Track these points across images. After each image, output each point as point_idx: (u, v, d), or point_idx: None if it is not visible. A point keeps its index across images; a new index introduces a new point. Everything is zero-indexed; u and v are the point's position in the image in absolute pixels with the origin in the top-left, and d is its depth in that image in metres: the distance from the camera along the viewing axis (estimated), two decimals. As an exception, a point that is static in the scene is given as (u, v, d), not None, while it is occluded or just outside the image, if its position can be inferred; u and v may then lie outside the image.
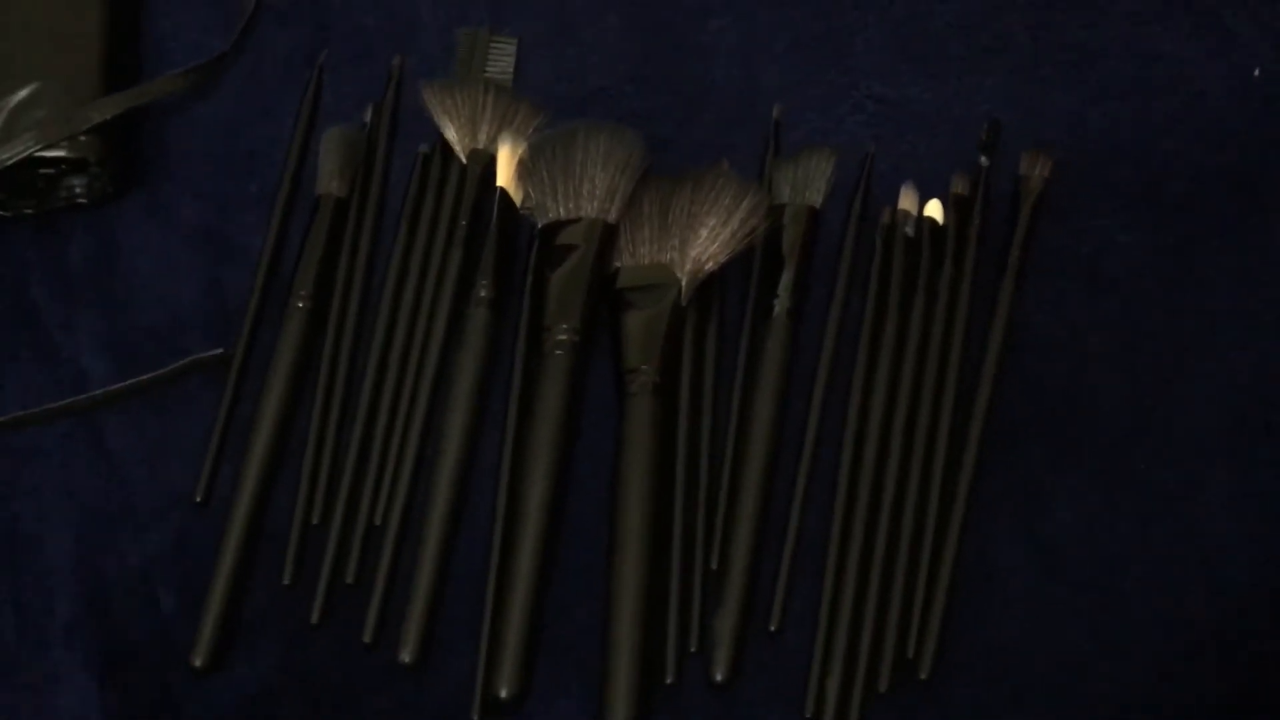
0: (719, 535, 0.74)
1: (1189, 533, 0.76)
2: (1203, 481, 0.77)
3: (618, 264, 0.78)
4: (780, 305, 0.78)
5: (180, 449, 0.77)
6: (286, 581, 0.74)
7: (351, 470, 0.76)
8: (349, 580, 0.74)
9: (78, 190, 0.82)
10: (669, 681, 0.72)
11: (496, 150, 0.80)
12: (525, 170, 0.79)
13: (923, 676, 0.72)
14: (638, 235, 0.78)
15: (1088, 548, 0.76)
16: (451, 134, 0.81)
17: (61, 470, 0.77)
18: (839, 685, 0.71)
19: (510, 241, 0.79)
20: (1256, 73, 0.86)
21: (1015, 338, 0.78)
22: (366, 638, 0.73)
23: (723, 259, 0.78)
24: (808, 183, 0.81)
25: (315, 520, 0.75)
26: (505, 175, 0.80)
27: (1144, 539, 0.76)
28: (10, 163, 0.79)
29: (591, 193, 0.78)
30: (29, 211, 0.82)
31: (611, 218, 0.78)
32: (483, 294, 0.78)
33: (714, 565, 0.74)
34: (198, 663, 0.72)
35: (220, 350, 0.79)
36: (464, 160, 0.81)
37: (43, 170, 0.81)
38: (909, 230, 0.80)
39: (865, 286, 0.79)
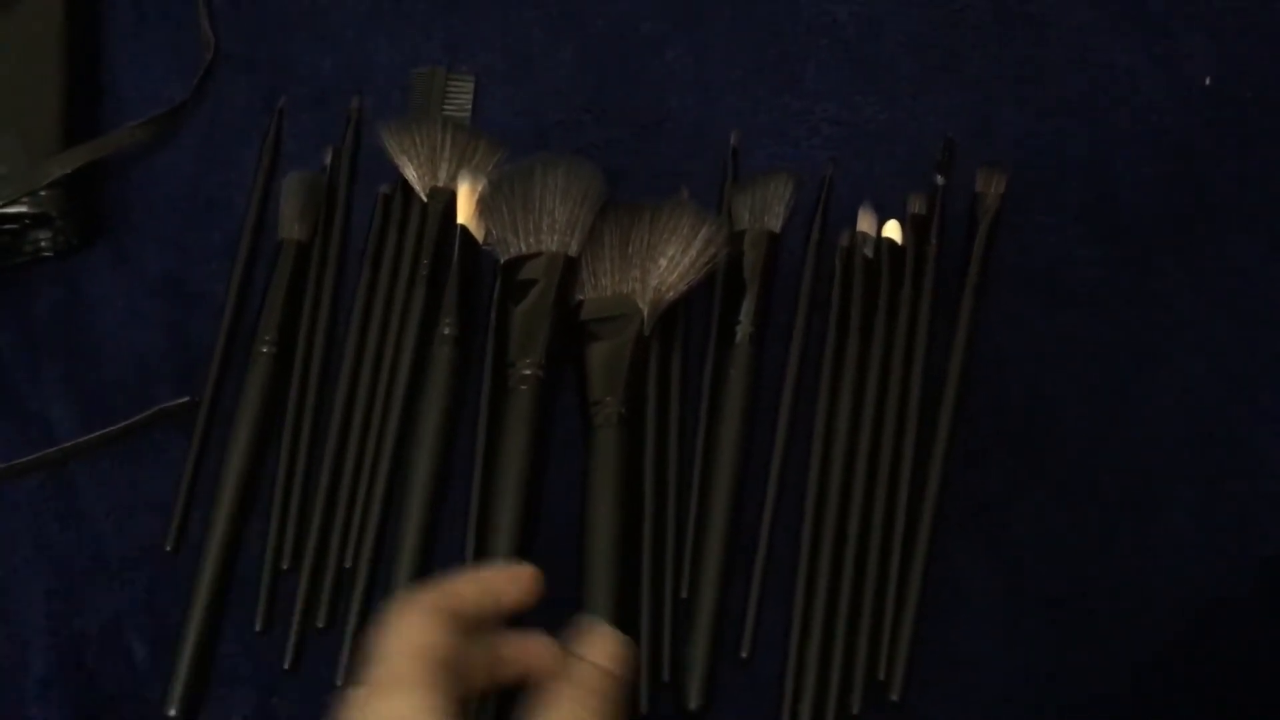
0: (688, 563, 0.74)
1: (1153, 545, 0.76)
2: (1166, 492, 0.77)
3: (581, 296, 0.78)
4: (742, 331, 0.78)
5: (150, 499, 0.77)
6: (258, 628, 0.74)
7: (320, 514, 0.76)
8: (320, 624, 0.74)
9: (42, 244, 0.83)
10: (642, 712, 0.72)
11: (456, 188, 0.81)
12: (485, 206, 0.79)
13: (894, 698, 0.72)
14: (599, 267, 0.79)
15: (1053, 562, 0.75)
16: (411, 173, 0.82)
17: (32, 524, 0.77)
18: (811, 709, 0.71)
19: (473, 278, 0.80)
20: (1207, 81, 0.86)
21: (976, 355, 0.78)
22: (339, 682, 0.73)
23: (684, 287, 0.78)
24: (766, 208, 0.81)
25: (285, 565, 0.75)
26: (466, 212, 0.80)
27: (1109, 552, 0.76)
28: (-29, 221, 0.80)
29: (551, 226, 0.78)
30: (-6, 266, 0.83)
31: (572, 250, 0.78)
32: (446, 332, 0.78)
33: (684, 594, 0.74)
34: (172, 713, 0.72)
35: (187, 399, 0.79)
36: (424, 199, 0.81)
37: (6, 226, 0.81)
38: (868, 251, 0.80)
39: (827, 309, 0.79)
